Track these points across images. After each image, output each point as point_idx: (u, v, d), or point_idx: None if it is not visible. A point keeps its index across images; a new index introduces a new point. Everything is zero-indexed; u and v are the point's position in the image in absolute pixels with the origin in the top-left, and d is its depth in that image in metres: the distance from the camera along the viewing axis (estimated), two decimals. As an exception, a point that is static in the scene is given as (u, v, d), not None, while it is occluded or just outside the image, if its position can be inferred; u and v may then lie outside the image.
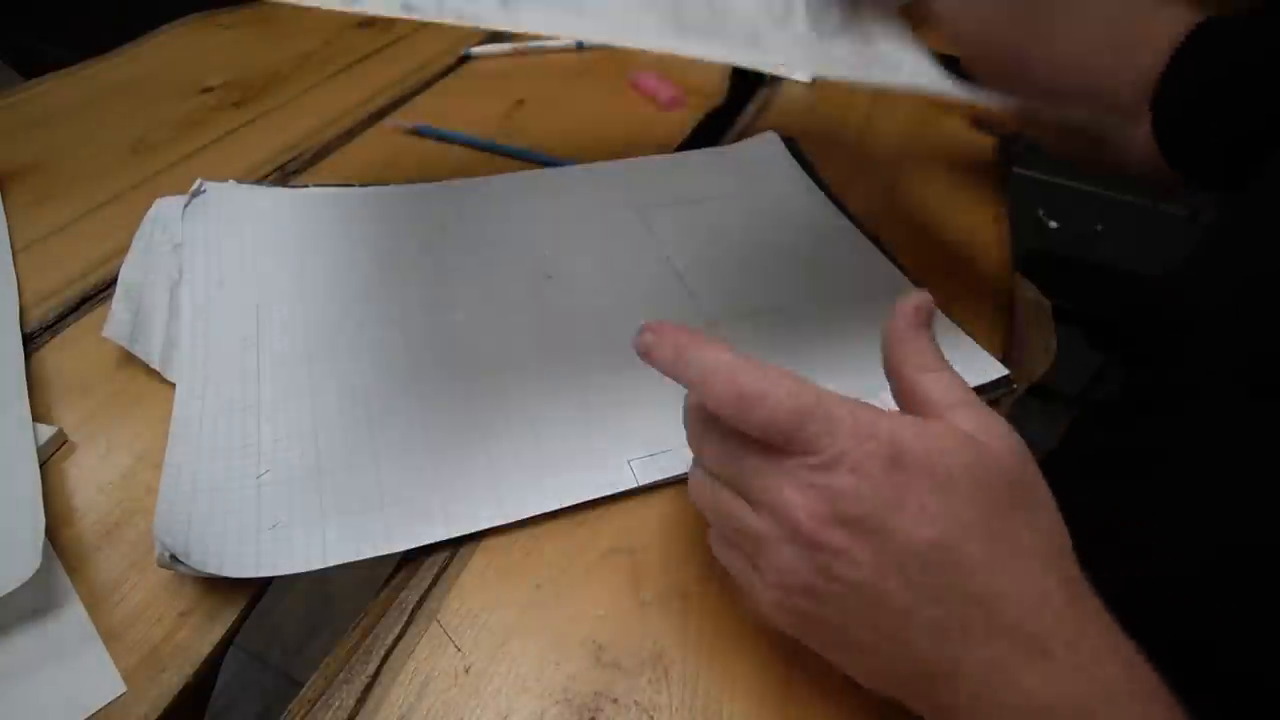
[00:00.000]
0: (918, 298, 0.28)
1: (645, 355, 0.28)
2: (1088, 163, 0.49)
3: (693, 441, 0.28)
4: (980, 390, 0.39)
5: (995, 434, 0.25)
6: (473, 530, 0.33)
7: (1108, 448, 0.39)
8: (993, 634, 0.23)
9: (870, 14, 0.42)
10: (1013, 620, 0.23)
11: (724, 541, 0.28)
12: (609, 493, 0.34)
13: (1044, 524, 0.24)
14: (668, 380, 0.27)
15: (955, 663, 0.23)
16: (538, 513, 0.33)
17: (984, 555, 0.23)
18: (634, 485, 0.35)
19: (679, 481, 0.35)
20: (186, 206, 0.47)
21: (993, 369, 0.40)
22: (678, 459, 0.36)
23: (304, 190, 0.51)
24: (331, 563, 0.31)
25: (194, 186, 0.48)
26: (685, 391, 0.28)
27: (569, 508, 0.34)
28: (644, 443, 0.36)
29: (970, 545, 0.23)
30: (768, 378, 0.24)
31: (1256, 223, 0.37)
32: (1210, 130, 0.41)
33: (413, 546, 0.32)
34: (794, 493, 0.24)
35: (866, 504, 0.23)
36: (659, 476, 0.35)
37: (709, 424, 0.27)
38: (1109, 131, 0.44)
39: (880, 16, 0.43)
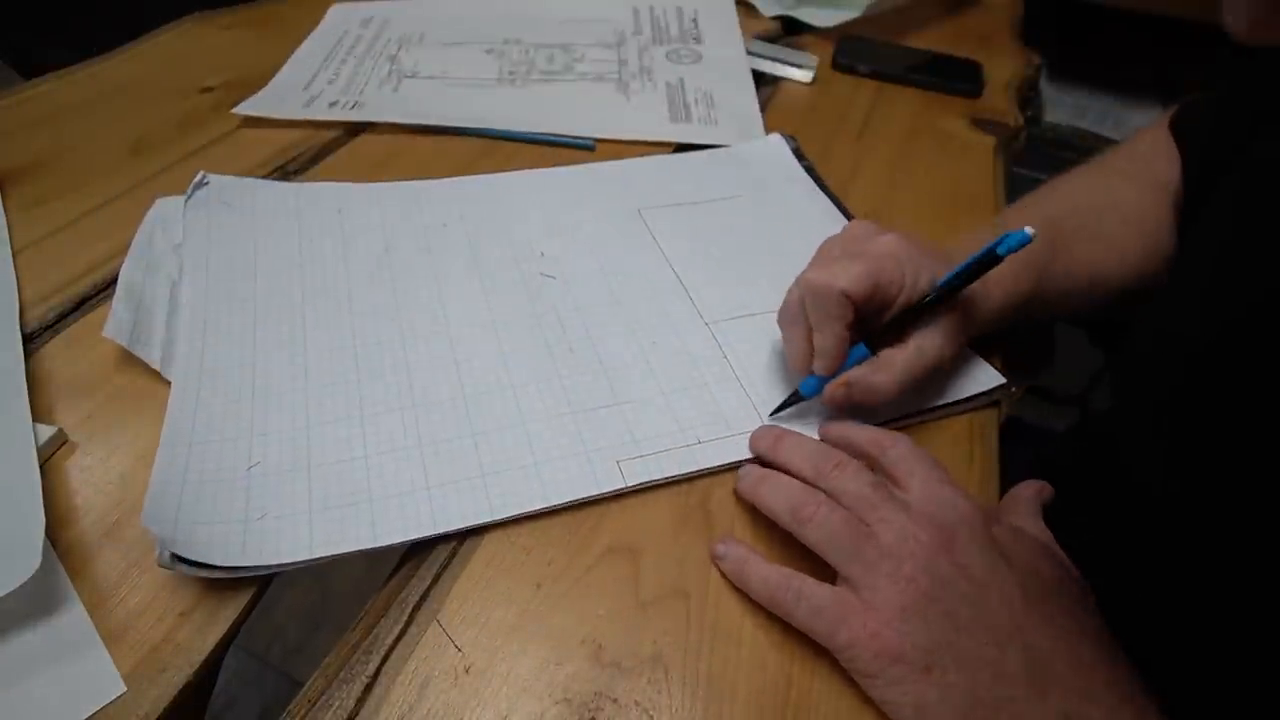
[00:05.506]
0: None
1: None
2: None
3: (821, 477, 0.32)
4: (977, 398, 0.40)
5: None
6: (460, 528, 0.33)
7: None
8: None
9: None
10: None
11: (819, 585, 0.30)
12: (596, 493, 0.34)
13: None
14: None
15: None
16: (525, 511, 0.33)
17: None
18: (622, 486, 0.34)
19: (674, 482, 0.35)
20: (189, 199, 0.47)
21: (990, 378, 0.41)
22: (670, 461, 0.36)
23: (306, 185, 0.51)
24: (318, 555, 0.31)
25: (196, 179, 0.48)
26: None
27: (569, 507, 0.34)
28: (634, 443, 0.36)
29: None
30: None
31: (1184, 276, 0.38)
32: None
33: (397, 542, 0.32)
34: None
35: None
36: (647, 478, 0.35)
37: (841, 459, 0.32)
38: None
39: None
